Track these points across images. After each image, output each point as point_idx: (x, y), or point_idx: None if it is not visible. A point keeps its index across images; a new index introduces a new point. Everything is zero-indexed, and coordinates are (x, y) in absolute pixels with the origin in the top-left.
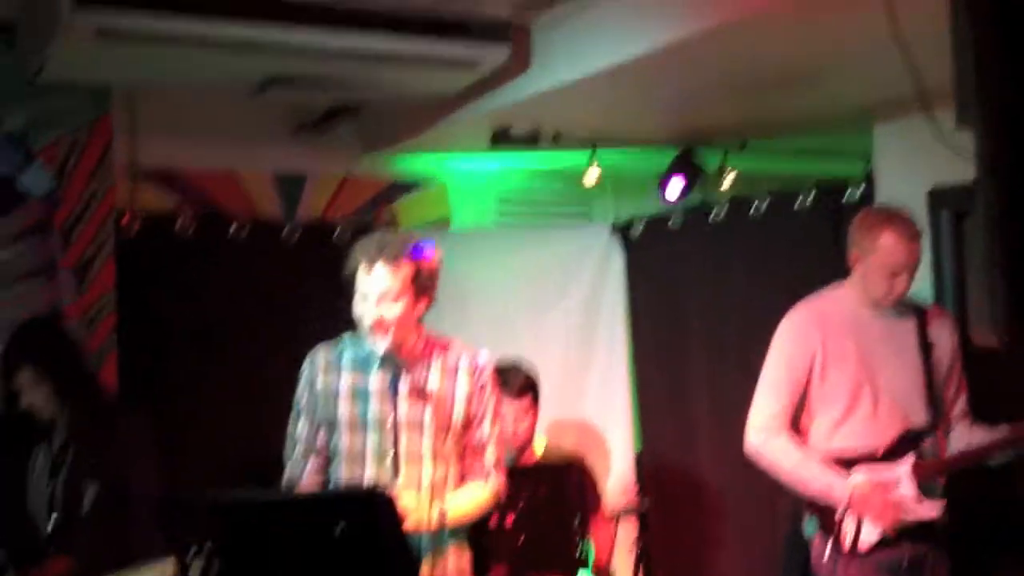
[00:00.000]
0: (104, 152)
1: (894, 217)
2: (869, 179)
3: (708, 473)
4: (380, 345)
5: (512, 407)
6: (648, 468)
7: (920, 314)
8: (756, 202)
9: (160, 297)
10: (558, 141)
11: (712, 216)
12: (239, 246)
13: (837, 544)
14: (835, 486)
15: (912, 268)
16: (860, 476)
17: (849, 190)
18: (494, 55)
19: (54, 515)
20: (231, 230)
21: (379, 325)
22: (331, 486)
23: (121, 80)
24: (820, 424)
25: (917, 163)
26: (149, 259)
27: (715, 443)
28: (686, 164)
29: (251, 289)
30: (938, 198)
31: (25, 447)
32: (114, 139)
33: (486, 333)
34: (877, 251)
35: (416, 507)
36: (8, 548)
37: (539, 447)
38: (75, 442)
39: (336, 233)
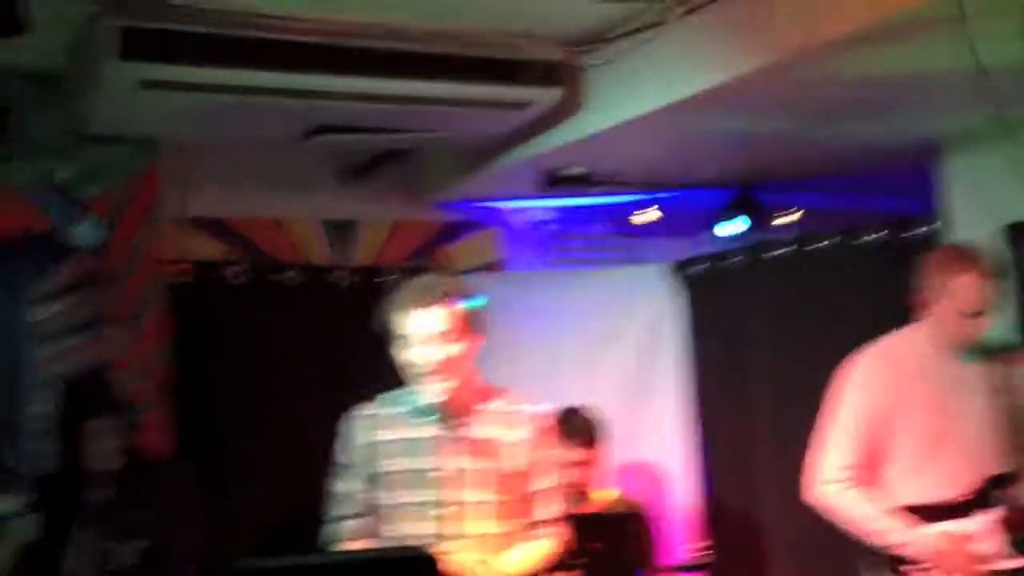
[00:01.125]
0: (152, 203)
1: (968, 257)
2: (939, 214)
3: (775, 522)
4: (432, 393)
5: (577, 455)
6: (713, 517)
7: (996, 356)
8: (820, 240)
9: (213, 347)
10: (612, 182)
11: (774, 254)
12: (291, 292)
13: None
14: (914, 540)
15: (989, 310)
16: (940, 528)
17: (919, 226)
18: (545, 96)
19: (103, 572)
20: (282, 276)
21: (432, 369)
22: (379, 545)
23: (167, 130)
24: (894, 473)
25: (991, 196)
26: (201, 308)
27: (782, 490)
28: (745, 202)
29: (304, 336)
30: (1018, 232)
31: (71, 502)
32: (162, 189)
33: (540, 376)
34: (952, 293)
35: (470, 566)
36: None
37: (604, 496)
38: (122, 498)
39: (389, 278)
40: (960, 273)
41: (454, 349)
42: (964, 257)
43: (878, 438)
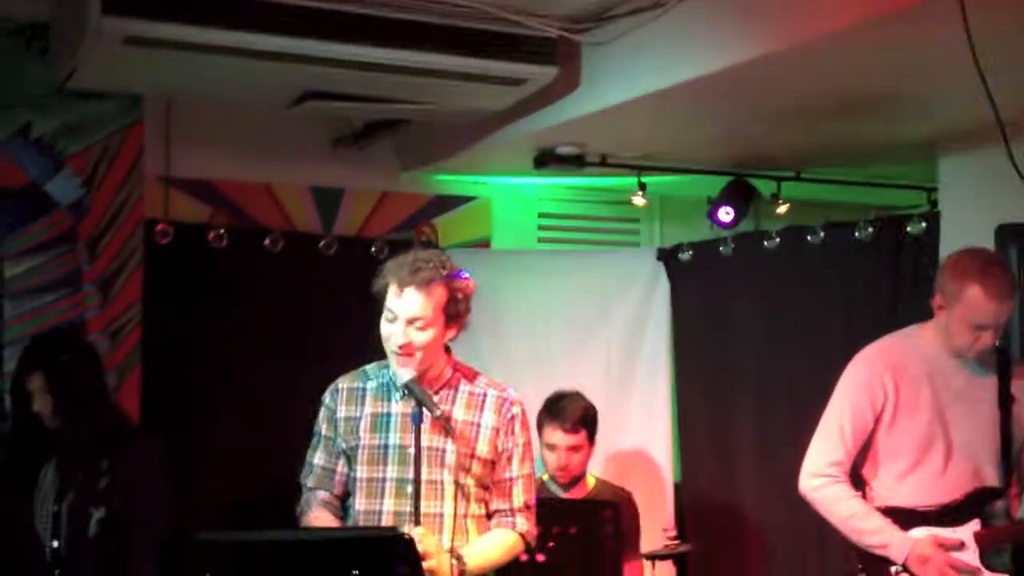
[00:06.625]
0: (135, 161)
1: (988, 269)
2: (934, 212)
3: (751, 513)
4: (404, 373)
5: (566, 440)
6: (688, 506)
7: (1003, 365)
8: (812, 231)
9: (189, 310)
10: (605, 163)
11: (765, 244)
12: (274, 259)
13: None
14: (894, 542)
15: (1000, 325)
16: (921, 534)
17: (912, 222)
18: (541, 73)
19: (58, 539)
20: (266, 242)
21: (406, 350)
22: (349, 518)
23: (152, 88)
24: (884, 475)
25: (986, 197)
26: (180, 271)
27: (760, 481)
28: (738, 191)
29: (285, 304)
30: (1007, 234)
31: (33, 464)
32: (147, 148)
33: (524, 357)
34: (962, 303)
35: (436, 549)
36: (10, 569)
37: (590, 481)
38: (84, 464)
39: (374, 248)
40: (974, 287)
41: (430, 335)
42: (982, 270)
43: (871, 437)
